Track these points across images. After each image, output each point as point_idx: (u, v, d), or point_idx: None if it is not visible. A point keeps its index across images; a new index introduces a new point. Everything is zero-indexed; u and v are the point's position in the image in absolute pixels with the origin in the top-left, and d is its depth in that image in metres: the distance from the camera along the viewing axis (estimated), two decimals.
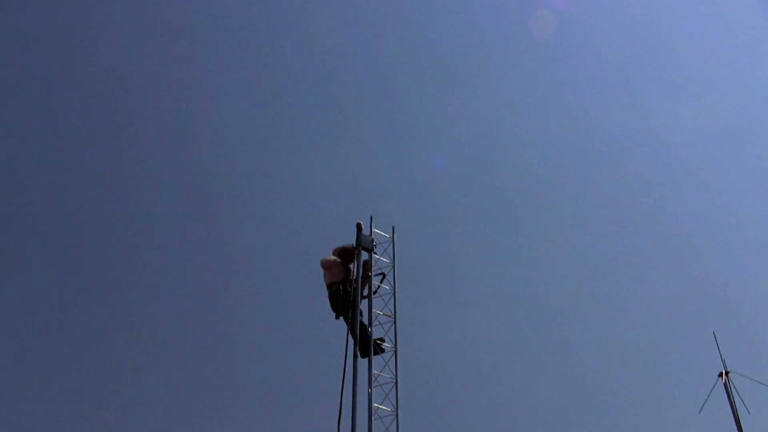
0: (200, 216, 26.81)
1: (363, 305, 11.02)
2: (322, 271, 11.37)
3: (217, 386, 23.15)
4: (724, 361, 10.64)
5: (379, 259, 11.40)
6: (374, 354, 10.55)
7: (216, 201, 26.73)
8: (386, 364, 10.54)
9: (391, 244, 11.55)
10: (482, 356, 23.29)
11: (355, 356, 10.44)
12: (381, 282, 11.27)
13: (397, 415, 10.05)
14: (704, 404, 10.28)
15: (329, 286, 11.21)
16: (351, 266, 11.26)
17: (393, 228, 11.69)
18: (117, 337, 23.95)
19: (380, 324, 10.90)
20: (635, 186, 26.27)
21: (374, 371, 10.35)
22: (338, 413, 10.10)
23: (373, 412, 9.93)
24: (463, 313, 24.42)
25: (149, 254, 25.92)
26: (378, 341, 10.74)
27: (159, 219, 26.49)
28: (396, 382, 10.36)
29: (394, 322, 10.89)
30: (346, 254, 11.35)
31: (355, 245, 11.28)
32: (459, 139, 27.57)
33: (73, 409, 22.24)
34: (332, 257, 11.27)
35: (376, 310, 10.97)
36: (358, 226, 11.43)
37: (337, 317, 11.07)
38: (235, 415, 22.35)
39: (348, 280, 11.15)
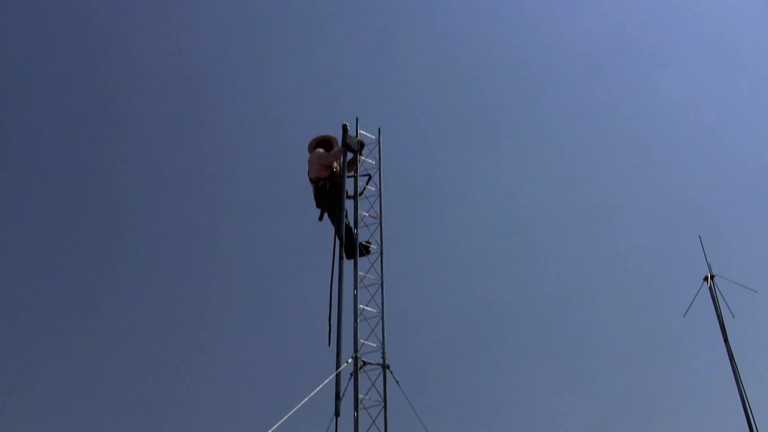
0: (177, 116, 26.37)
1: (348, 207, 10.94)
2: (306, 173, 11.26)
3: (204, 284, 23.35)
4: (709, 266, 10.63)
5: (364, 160, 11.28)
6: (360, 255, 10.49)
7: (193, 103, 26.27)
8: (372, 265, 10.52)
9: (377, 146, 11.43)
10: (466, 258, 23.43)
11: (340, 257, 10.39)
12: (367, 183, 11.16)
13: (382, 317, 10.04)
14: (689, 308, 10.30)
15: (315, 181, 11.06)
16: (336, 164, 11.11)
17: (379, 130, 11.55)
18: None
19: (366, 225, 10.83)
20: (620, 92, 26.01)
21: (360, 273, 10.32)
22: (328, 311, 10.09)
23: (358, 313, 9.94)
24: (448, 215, 24.46)
25: (132, 155, 25.59)
26: (365, 243, 10.68)
27: (135, 117, 26.05)
28: (381, 284, 10.34)
29: (380, 223, 10.83)
30: (325, 145, 11.22)
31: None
32: (445, 40, 27.09)
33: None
34: (326, 153, 11.11)
35: (361, 212, 10.89)
36: (344, 127, 11.23)
37: (321, 217, 10.98)
38: (223, 313, 22.60)
39: (334, 177, 11.03)
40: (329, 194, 10.86)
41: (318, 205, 11.01)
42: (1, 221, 23.49)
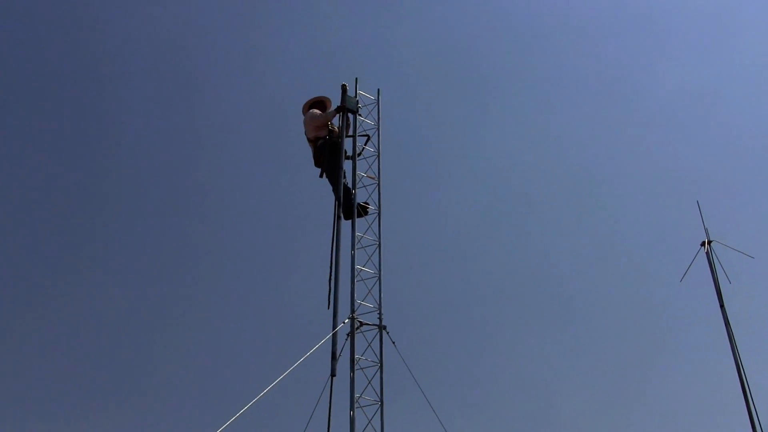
0: (171, 74, 26.15)
1: (346, 167, 10.89)
2: (304, 137, 11.21)
3: (200, 243, 23.36)
4: (706, 231, 10.60)
5: (363, 120, 11.23)
6: (358, 216, 10.46)
7: (188, 62, 26.02)
8: (369, 226, 10.51)
9: (376, 106, 11.37)
10: (464, 219, 23.43)
11: (338, 218, 10.38)
12: (365, 144, 11.12)
13: (379, 278, 10.04)
14: (686, 273, 10.29)
15: (314, 141, 11.02)
16: (331, 123, 11.04)
17: (378, 90, 11.49)
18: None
19: (364, 186, 10.80)
20: (620, 58, 25.86)
21: (357, 233, 10.30)
22: (329, 272, 10.05)
23: (355, 274, 9.93)
24: (446, 176, 24.41)
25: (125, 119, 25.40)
26: (363, 204, 10.65)
27: (132, 82, 25.83)
28: (379, 245, 10.32)
29: (378, 184, 10.79)
30: (319, 106, 11.20)
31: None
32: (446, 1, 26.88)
33: None
34: (319, 113, 11.04)
35: (360, 172, 10.85)
36: (343, 88, 11.18)
37: (321, 174, 10.95)
38: (219, 273, 22.65)
39: (332, 135, 10.97)
40: (328, 153, 10.82)
41: (317, 164, 10.99)
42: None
